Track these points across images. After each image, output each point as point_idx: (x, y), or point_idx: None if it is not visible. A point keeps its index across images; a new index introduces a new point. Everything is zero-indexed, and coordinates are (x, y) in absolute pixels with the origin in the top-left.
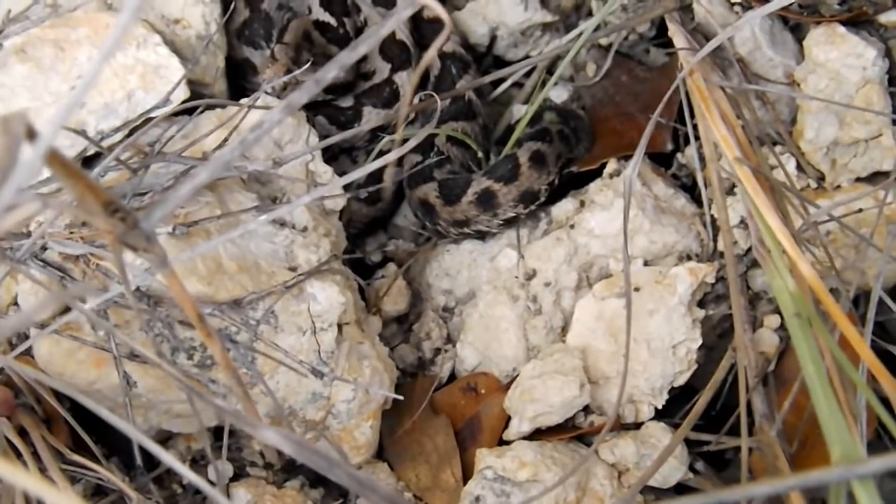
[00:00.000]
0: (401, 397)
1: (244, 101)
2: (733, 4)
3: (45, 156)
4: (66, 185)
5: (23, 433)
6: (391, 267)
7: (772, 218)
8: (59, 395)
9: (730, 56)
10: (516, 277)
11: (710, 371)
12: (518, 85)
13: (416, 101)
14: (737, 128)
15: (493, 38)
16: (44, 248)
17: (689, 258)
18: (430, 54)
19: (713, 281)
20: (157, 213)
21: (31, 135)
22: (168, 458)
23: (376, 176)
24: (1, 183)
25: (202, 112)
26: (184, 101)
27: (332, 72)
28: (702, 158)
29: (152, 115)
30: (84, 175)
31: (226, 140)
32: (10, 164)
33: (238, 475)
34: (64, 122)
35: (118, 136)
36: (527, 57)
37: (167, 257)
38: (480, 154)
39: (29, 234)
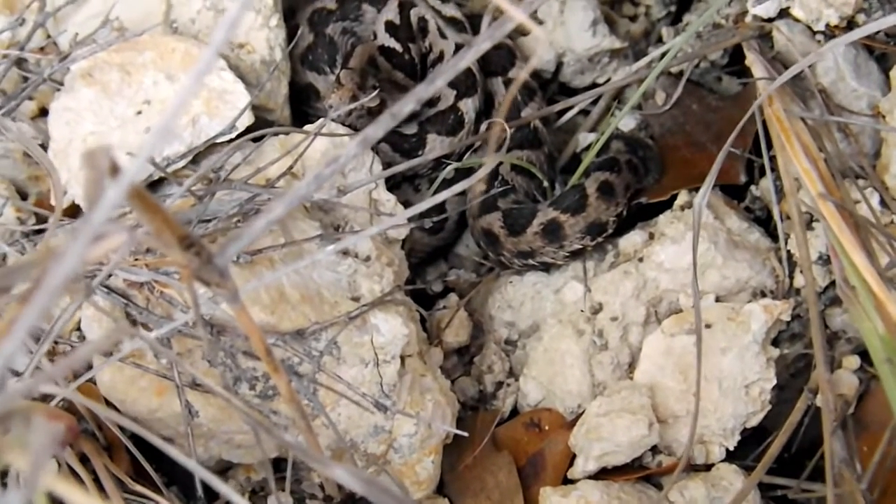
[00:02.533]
0: (464, 433)
1: (309, 127)
2: (815, 33)
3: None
4: (145, 219)
5: (84, 460)
6: (453, 297)
7: (857, 255)
8: (120, 422)
9: (811, 86)
10: (582, 311)
11: (781, 412)
12: (584, 112)
13: (481, 129)
14: (819, 161)
15: (560, 65)
16: (108, 275)
17: (763, 295)
18: (523, 76)
19: (788, 319)
20: (232, 248)
21: (115, 169)
22: (228, 490)
23: (440, 205)
24: (89, 215)
25: (266, 138)
26: (248, 127)
27: (410, 105)
28: (778, 191)
29: (217, 140)
30: (163, 210)
31: (291, 168)
32: (96, 197)
33: None
34: (149, 157)
35: (182, 162)
36: (593, 83)
37: (238, 292)
38: (546, 183)
39: (100, 264)
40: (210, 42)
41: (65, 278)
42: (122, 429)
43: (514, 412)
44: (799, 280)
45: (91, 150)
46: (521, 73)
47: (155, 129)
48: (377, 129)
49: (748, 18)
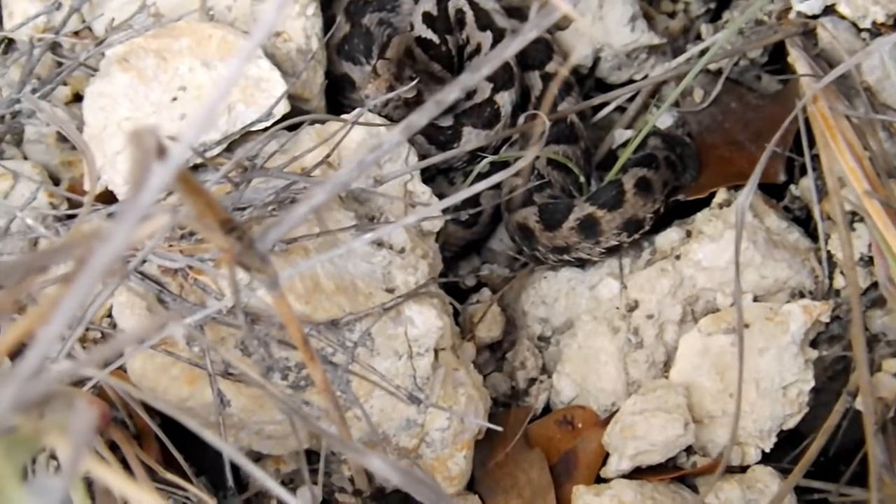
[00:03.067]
0: (498, 428)
1: (346, 116)
2: (861, 30)
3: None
4: (188, 202)
5: (113, 448)
6: (486, 292)
7: None
8: (150, 411)
9: (856, 84)
10: (617, 308)
11: (818, 414)
12: (620, 109)
13: (517, 122)
14: (864, 159)
15: (597, 60)
16: (143, 260)
17: (801, 295)
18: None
19: (828, 320)
20: (274, 233)
21: (161, 151)
22: (263, 475)
23: (474, 198)
24: (136, 195)
25: (303, 127)
26: (284, 116)
27: (454, 93)
28: (819, 191)
29: (253, 128)
30: (206, 193)
31: (327, 157)
32: (143, 178)
33: (326, 501)
34: (194, 141)
35: (217, 150)
36: (630, 80)
37: (278, 278)
38: (582, 178)
39: (135, 249)
40: (252, 34)
41: (110, 260)
42: (152, 417)
43: (547, 409)
44: (838, 281)
45: (137, 131)
46: (561, 69)
47: (195, 118)
48: (421, 116)
49: (792, 15)
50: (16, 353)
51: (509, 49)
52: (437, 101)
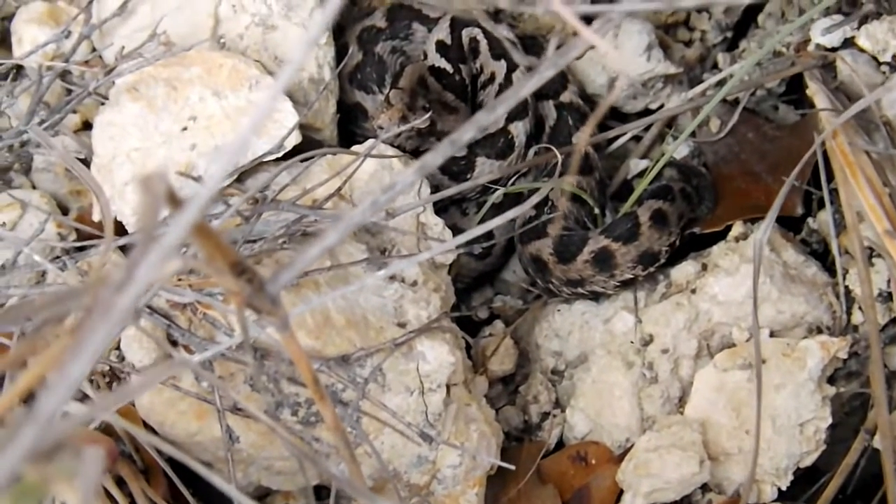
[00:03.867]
0: (511, 466)
1: (358, 148)
2: (881, 63)
3: (192, 224)
4: (197, 243)
5: (120, 483)
6: (498, 324)
7: None
8: (160, 447)
9: (875, 118)
10: (632, 342)
11: (835, 451)
12: (636, 138)
13: (531, 154)
14: (884, 196)
15: (612, 89)
16: (152, 296)
17: (819, 331)
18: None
19: (846, 357)
20: (285, 276)
21: (173, 198)
22: None
23: (487, 230)
24: (145, 246)
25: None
26: (296, 147)
27: (469, 133)
28: (837, 224)
29: (264, 160)
30: (216, 236)
31: (339, 190)
32: (152, 225)
33: None
34: (214, 188)
35: (228, 181)
36: (646, 109)
37: (288, 320)
38: (597, 210)
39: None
40: (277, 75)
41: (120, 318)
42: (159, 452)
43: (560, 444)
44: (856, 316)
45: (147, 176)
46: (606, 101)
47: (216, 170)
48: (436, 156)
49: (811, 47)
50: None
51: (526, 87)
52: (452, 141)
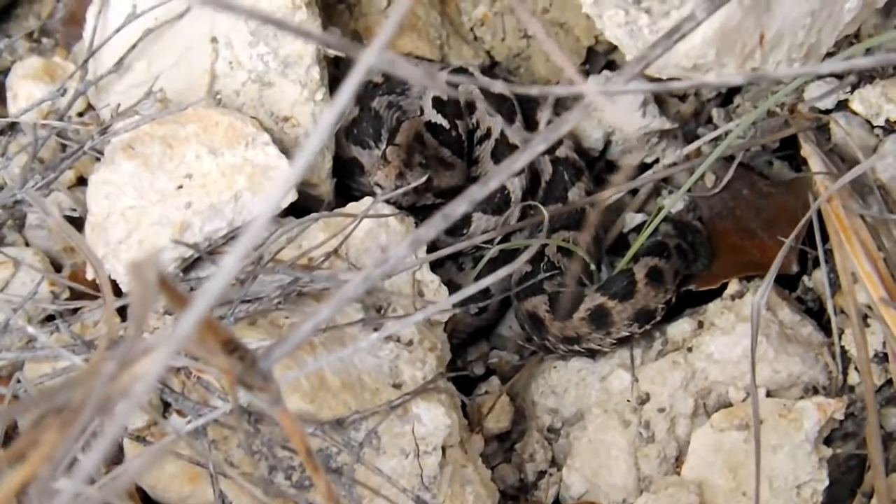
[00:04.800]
0: None
1: (353, 206)
2: (874, 127)
3: (175, 299)
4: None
5: None
6: (494, 381)
7: None
8: None
9: (870, 182)
10: (628, 401)
11: None
12: (631, 192)
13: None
14: (878, 261)
15: (608, 143)
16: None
17: (815, 391)
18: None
19: (842, 418)
20: (277, 352)
21: (164, 282)
22: None
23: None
24: (136, 334)
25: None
26: (292, 203)
27: (463, 207)
28: (832, 284)
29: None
30: (207, 315)
31: (336, 250)
32: (144, 311)
33: None
34: (215, 297)
35: (222, 241)
36: (641, 163)
37: (281, 396)
38: (592, 266)
39: None
40: (295, 160)
41: (115, 428)
42: None
43: (557, 503)
44: (853, 377)
45: (137, 262)
46: (620, 173)
47: (210, 216)
48: (429, 230)
49: (804, 108)
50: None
51: (519, 162)
52: (445, 215)
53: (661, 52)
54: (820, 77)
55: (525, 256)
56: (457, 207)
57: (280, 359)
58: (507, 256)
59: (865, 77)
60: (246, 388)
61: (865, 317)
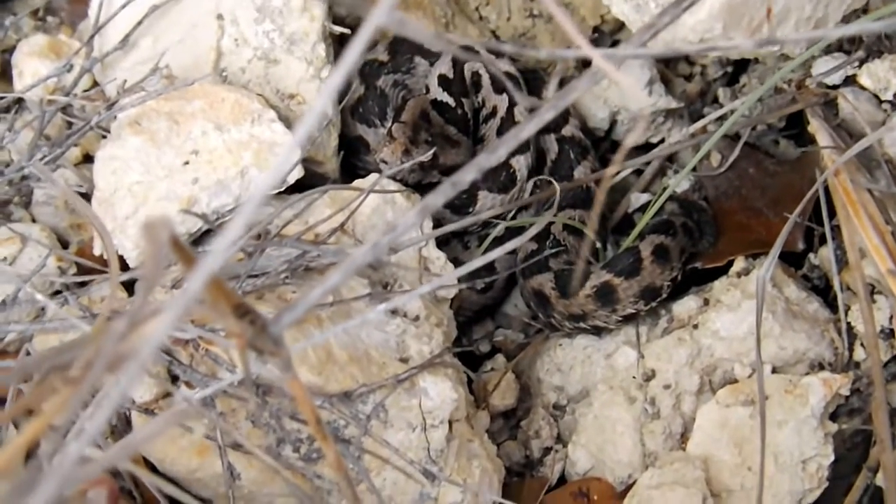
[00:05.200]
0: None
1: (360, 182)
2: (882, 101)
3: (186, 259)
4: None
5: None
6: (500, 358)
7: None
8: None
9: (877, 156)
10: (634, 378)
11: (835, 487)
12: (637, 172)
13: (531, 187)
14: (886, 234)
15: (613, 123)
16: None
17: (821, 367)
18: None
19: (847, 393)
20: (288, 317)
21: (176, 243)
22: None
23: (489, 264)
24: (146, 294)
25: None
26: (298, 180)
27: (471, 174)
28: (839, 260)
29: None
30: (219, 279)
31: (343, 225)
32: (156, 271)
33: None
34: (229, 246)
35: (229, 216)
36: (647, 142)
37: (291, 361)
38: (598, 244)
39: None
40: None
41: (127, 382)
42: (160, 489)
43: (562, 480)
44: (858, 353)
45: (150, 223)
46: (628, 141)
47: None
48: (437, 197)
49: (812, 84)
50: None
51: (527, 129)
52: (454, 182)
53: (670, 20)
54: (827, 52)
55: (533, 231)
56: (465, 175)
57: (291, 323)
58: (512, 235)
59: (874, 52)
60: (257, 353)
61: (872, 291)
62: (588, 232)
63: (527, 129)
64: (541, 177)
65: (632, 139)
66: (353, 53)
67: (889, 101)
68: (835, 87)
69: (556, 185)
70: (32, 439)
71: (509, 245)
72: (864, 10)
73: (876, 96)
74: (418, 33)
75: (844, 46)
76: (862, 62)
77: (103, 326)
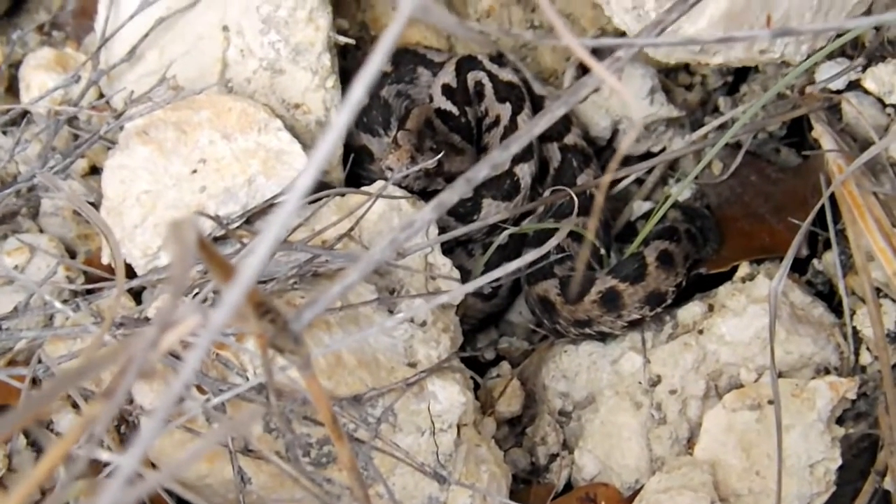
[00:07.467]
0: None
1: (369, 188)
2: (886, 105)
3: (215, 262)
4: (223, 287)
5: None
6: (505, 365)
7: None
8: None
9: (882, 160)
10: (640, 383)
11: (842, 493)
12: (638, 180)
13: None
14: (893, 237)
15: (615, 132)
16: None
17: (827, 371)
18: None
19: (854, 397)
20: (308, 314)
21: (202, 243)
22: None
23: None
24: (175, 298)
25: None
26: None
27: (484, 171)
28: (844, 265)
29: (274, 201)
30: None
31: (351, 230)
32: (183, 274)
33: None
34: (268, 251)
35: (237, 223)
36: (648, 151)
37: (310, 359)
38: (602, 251)
39: None
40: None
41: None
42: (169, 493)
43: (569, 486)
44: (864, 357)
45: (176, 222)
46: (624, 144)
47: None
48: (451, 194)
49: (815, 89)
50: None
51: (538, 126)
52: (468, 179)
53: (677, 16)
54: (830, 58)
55: (554, 241)
56: (479, 171)
57: (311, 319)
58: (516, 242)
59: (876, 57)
60: (277, 351)
61: (878, 293)
62: (588, 235)
63: (541, 123)
64: (555, 186)
65: (626, 144)
66: (376, 60)
67: (893, 105)
68: (838, 91)
69: (572, 192)
70: (64, 452)
71: (518, 262)
72: (867, 15)
73: (880, 100)
74: (443, 19)
75: (847, 51)
76: (865, 67)
77: (123, 338)
